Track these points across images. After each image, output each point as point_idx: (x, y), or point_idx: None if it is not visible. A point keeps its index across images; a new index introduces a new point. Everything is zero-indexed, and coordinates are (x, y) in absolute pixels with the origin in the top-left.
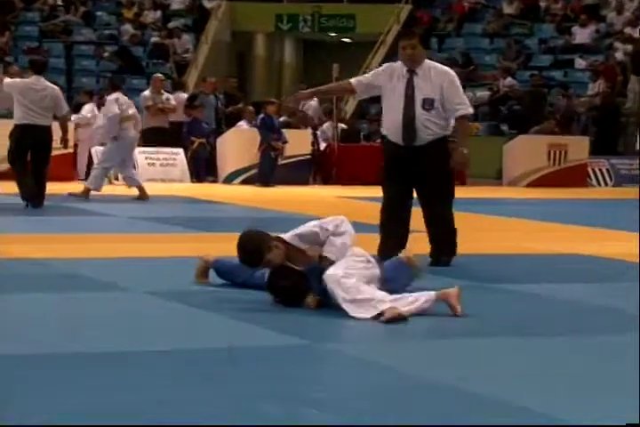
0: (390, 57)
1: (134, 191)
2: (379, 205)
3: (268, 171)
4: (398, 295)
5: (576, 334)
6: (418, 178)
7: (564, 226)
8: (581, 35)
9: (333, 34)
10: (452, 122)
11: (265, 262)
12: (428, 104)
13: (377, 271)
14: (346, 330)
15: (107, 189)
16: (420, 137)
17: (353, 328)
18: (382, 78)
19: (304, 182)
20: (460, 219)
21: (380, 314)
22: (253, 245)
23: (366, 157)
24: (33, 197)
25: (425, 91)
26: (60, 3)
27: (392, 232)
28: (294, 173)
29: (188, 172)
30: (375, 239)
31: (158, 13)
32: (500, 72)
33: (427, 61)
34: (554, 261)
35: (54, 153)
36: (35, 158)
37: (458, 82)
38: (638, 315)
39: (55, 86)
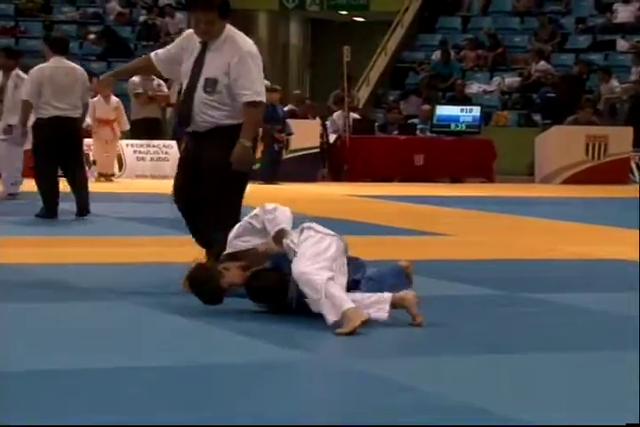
0: (408, 38)
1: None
2: (394, 205)
3: (272, 166)
4: (358, 295)
5: (616, 349)
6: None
7: (603, 228)
8: (624, 13)
9: (344, 12)
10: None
11: (228, 289)
12: (210, 85)
13: (342, 244)
14: (349, 343)
15: (92, 187)
16: (197, 123)
17: (356, 341)
18: (181, 52)
19: (312, 179)
20: (489, 220)
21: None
22: (205, 283)
23: (381, 150)
24: (54, 209)
25: (210, 69)
26: None
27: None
28: (301, 168)
29: None
30: (388, 242)
31: None
32: (532, 55)
33: (228, 31)
34: (593, 268)
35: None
36: (66, 159)
37: (254, 60)
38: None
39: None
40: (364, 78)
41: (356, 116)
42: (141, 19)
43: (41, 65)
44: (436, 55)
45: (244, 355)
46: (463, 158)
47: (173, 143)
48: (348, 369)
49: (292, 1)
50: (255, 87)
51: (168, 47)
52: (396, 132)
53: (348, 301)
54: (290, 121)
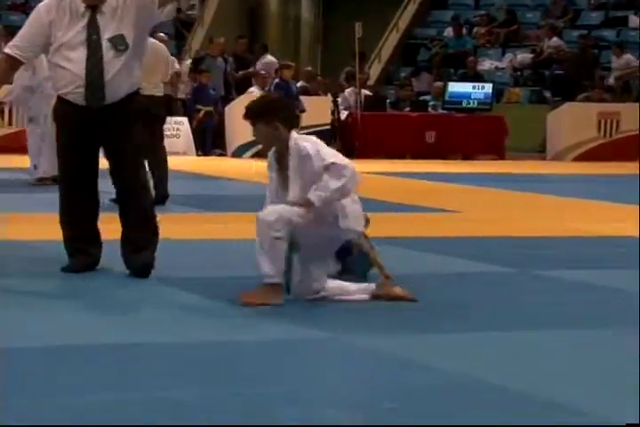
0: (420, 15)
1: None
2: (405, 182)
3: None
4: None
5: (629, 324)
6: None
7: (615, 205)
8: None
9: None
10: None
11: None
12: (120, 43)
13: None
14: (363, 321)
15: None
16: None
17: (371, 319)
18: (46, 27)
19: None
20: (500, 197)
21: None
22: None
23: (393, 126)
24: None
25: (110, 30)
26: None
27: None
28: None
29: (193, 144)
30: (400, 218)
31: None
32: (545, 31)
33: None
34: (604, 245)
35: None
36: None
37: (30, 16)
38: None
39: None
40: (375, 55)
41: (367, 92)
42: None
43: None
44: (448, 32)
45: (261, 334)
46: (475, 135)
47: (185, 120)
48: (364, 348)
49: None
50: None
51: (22, 33)
52: (407, 109)
53: None
54: (301, 98)
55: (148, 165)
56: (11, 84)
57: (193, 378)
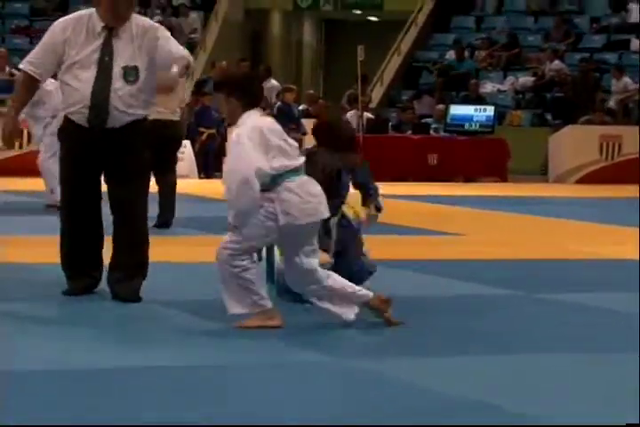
0: (422, 38)
1: None
2: (408, 204)
3: None
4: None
5: (626, 348)
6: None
7: (617, 228)
8: (638, 12)
9: (358, 12)
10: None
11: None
12: (132, 74)
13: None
14: (363, 344)
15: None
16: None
17: (371, 342)
18: (60, 45)
19: None
20: (503, 220)
21: None
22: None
23: (396, 149)
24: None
25: (125, 57)
26: None
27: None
28: None
29: (196, 166)
30: (402, 241)
31: None
32: (546, 55)
33: (134, 17)
34: (607, 268)
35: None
36: (162, 162)
37: (46, 33)
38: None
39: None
40: (377, 78)
41: (369, 115)
42: (156, 18)
43: None
44: (450, 55)
45: (256, 354)
46: (477, 158)
47: (187, 143)
48: (362, 369)
49: (305, 0)
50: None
51: (36, 51)
52: (409, 132)
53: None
54: (303, 120)
55: (158, 188)
56: None
57: (195, 400)
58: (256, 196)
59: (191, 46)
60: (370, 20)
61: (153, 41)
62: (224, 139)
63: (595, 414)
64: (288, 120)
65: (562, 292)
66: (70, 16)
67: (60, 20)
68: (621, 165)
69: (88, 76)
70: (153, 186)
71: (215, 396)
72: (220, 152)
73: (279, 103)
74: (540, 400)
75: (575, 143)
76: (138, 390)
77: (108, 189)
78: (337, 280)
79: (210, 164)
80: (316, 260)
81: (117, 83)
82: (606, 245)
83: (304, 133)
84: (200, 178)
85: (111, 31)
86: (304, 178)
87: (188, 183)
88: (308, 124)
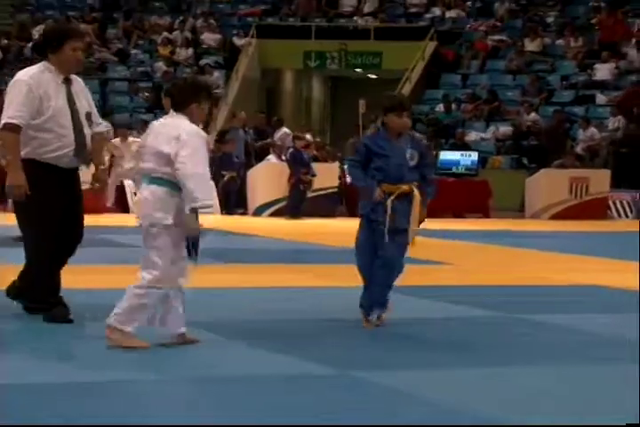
0: (416, 93)
1: None
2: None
3: (298, 203)
4: None
5: (607, 362)
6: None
7: (586, 258)
8: (602, 71)
9: (360, 70)
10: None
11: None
12: (90, 118)
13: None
14: (362, 356)
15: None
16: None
17: (373, 356)
18: (38, 99)
19: (331, 214)
20: (486, 250)
21: None
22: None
23: None
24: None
25: (83, 103)
26: (96, 41)
27: None
28: (321, 205)
29: (219, 204)
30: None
31: (190, 51)
32: (524, 108)
33: None
34: (578, 293)
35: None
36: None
37: (16, 88)
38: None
39: None
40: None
41: None
42: (184, 76)
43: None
44: (440, 108)
45: (263, 368)
46: (463, 197)
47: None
48: (366, 382)
49: (314, 61)
50: (9, 112)
51: (19, 103)
52: None
53: None
54: (313, 164)
55: None
56: None
57: (199, 413)
58: None
59: (215, 100)
60: (370, 78)
61: (85, 89)
62: (243, 180)
63: (586, 423)
64: (300, 164)
65: (541, 313)
66: (33, 71)
67: (26, 74)
68: (589, 203)
69: (67, 122)
70: None
71: (225, 407)
72: (240, 192)
73: (291, 150)
74: (534, 409)
75: (548, 184)
76: (130, 401)
77: (69, 223)
78: None
79: (231, 201)
80: None
81: (85, 127)
82: (578, 273)
83: (313, 175)
84: (222, 214)
85: (68, 81)
86: None
87: (212, 219)
88: (317, 167)
